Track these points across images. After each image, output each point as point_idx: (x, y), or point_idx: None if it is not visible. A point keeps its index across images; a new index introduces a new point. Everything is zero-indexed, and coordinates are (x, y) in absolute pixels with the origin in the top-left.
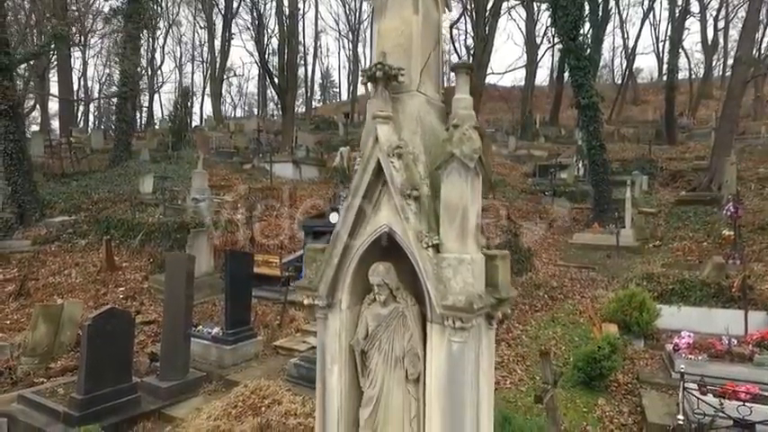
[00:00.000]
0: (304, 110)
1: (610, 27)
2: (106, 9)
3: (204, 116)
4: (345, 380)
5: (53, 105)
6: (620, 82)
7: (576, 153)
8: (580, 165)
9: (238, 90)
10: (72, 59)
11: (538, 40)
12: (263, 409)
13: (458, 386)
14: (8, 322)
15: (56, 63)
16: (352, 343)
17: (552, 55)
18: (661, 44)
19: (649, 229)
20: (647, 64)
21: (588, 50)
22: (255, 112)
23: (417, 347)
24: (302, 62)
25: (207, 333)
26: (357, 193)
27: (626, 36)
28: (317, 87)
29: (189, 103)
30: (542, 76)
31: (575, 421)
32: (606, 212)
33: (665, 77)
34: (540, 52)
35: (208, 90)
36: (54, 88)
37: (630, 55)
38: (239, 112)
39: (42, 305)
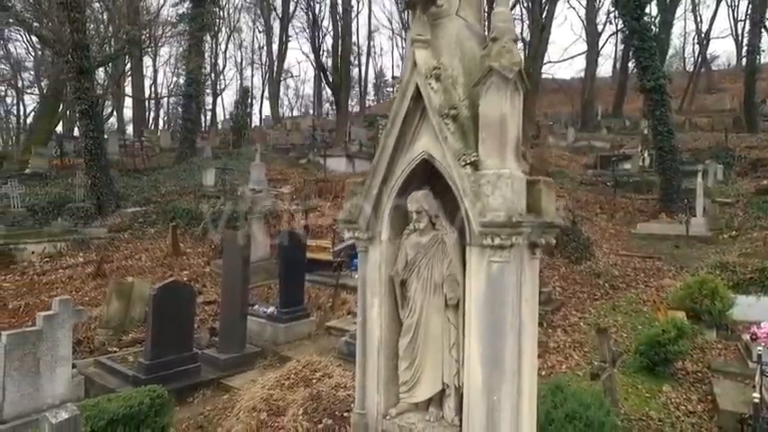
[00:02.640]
0: (358, 109)
1: (680, 11)
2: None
3: (263, 116)
4: (385, 312)
5: (127, 112)
6: (692, 70)
7: (641, 143)
8: (646, 155)
9: (295, 92)
10: (143, 67)
11: (599, 28)
12: (314, 381)
13: (498, 309)
14: (87, 299)
15: (130, 71)
16: (391, 274)
17: (615, 44)
18: (740, 24)
19: (725, 219)
20: (723, 49)
21: (655, 30)
22: (311, 113)
23: (456, 273)
24: (356, 62)
25: (262, 312)
26: (395, 121)
27: (699, 20)
28: (370, 87)
29: (249, 102)
30: (605, 68)
31: (636, 406)
32: (674, 202)
33: (744, 62)
34: (602, 41)
35: (266, 93)
36: (128, 91)
37: (704, 39)
38: (296, 113)
39: (116, 282)
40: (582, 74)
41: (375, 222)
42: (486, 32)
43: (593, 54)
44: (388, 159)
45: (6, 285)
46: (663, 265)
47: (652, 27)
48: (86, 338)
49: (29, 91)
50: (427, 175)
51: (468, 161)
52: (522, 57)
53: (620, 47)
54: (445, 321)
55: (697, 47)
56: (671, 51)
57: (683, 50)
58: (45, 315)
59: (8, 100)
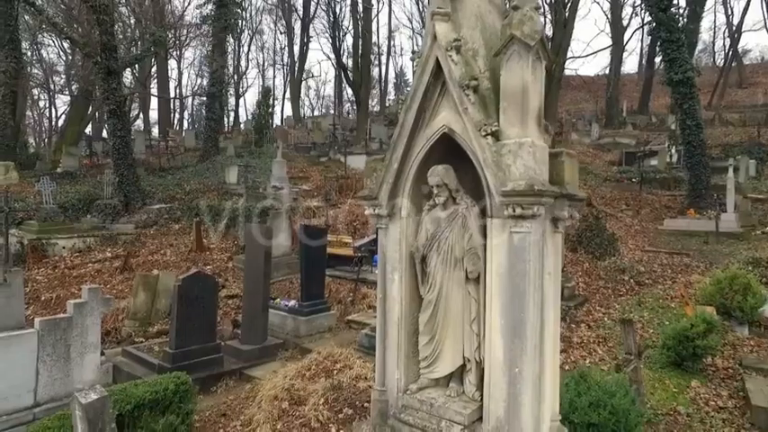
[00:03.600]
0: (378, 108)
1: (710, 3)
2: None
3: (284, 117)
4: (405, 288)
5: (153, 114)
6: (722, 65)
7: (668, 139)
8: (673, 150)
9: (316, 93)
10: (168, 69)
11: (624, 22)
12: (334, 372)
13: (519, 280)
14: (114, 291)
15: (155, 74)
16: (411, 250)
17: (641, 39)
18: None
19: (757, 215)
20: (756, 42)
21: (683, 22)
22: (332, 113)
23: (477, 247)
24: (376, 62)
25: (284, 305)
26: (415, 95)
27: (730, 13)
28: (390, 87)
29: (271, 102)
30: (630, 65)
31: (663, 401)
32: (703, 198)
33: None
34: (627, 36)
35: (287, 94)
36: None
37: (735, 32)
38: (316, 114)
39: (142, 275)
40: (606, 71)
41: (395, 198)
42: (507, 4)
43: (618, 49)
44: (407, 135)
45: (39, 278)
46: (691, 261)
47: (679, 18)
48: (114, 329)
49: (61, 93)
50: (446, 153)
51: (489, 131)
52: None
53: (647, 41)
54: (466, 295)
55: (728, 40)
56: (700, 46)
57: (713, 45)
58: (75, 303)
59: (41, 104)
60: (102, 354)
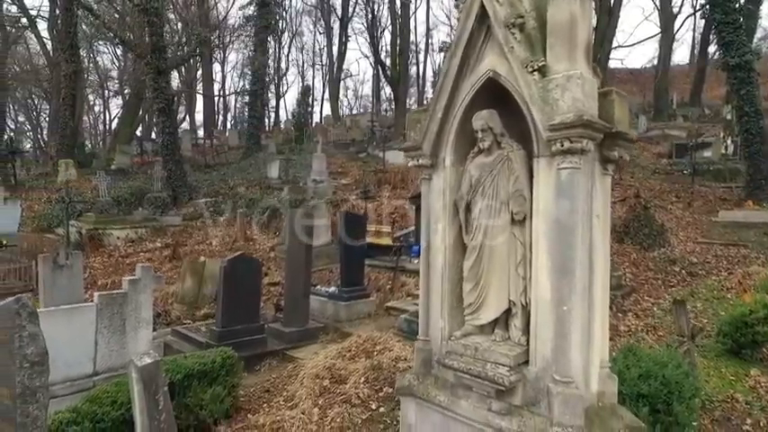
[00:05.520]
0: (416, 106)
1: None
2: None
3: (323, 116)
4: (449, 237)
5: (198, 117)
6: None
7: (723, 129)
8: (729, 141)
9: (354, 93)
10: (213, 72)
11: (674, 10)
12: (374, 353)
13: (568, 218)
14: (164, 278)
15: (201, 77)
16: (455, 198)
17: (693, 28)
18: None
19: None
20: None
21: (740, 2)
22: (370, 110)
23: (523, 189)
24: (414, 60)
25: (324, 291)
26: (459, 43)
27: None
28: (428, 85)
29: (310, 100)
30: (679, 55)
31: (719, 388)
32: (762, 189)
33: None
34: (677, 24)
35: (326, 95)
36: (199, 96)
37: None
38: (354, 113)
39: (189, 261)
40: (653, 62)
41: (439, 147)
42: None
43: (667, 37)
44: (451, 83)
45: (96, 265)
46: (750, 252)
47: (736, 2)
48: (164, 312)
49: (114, 96)
50: (490, 103)
51: (535, 67)
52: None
53: (699, 30)
54: (511, 239)
55: None
56: (759, 33)
57: None
58: (130, 279)
59: (96, 108)
60: (154, 330)
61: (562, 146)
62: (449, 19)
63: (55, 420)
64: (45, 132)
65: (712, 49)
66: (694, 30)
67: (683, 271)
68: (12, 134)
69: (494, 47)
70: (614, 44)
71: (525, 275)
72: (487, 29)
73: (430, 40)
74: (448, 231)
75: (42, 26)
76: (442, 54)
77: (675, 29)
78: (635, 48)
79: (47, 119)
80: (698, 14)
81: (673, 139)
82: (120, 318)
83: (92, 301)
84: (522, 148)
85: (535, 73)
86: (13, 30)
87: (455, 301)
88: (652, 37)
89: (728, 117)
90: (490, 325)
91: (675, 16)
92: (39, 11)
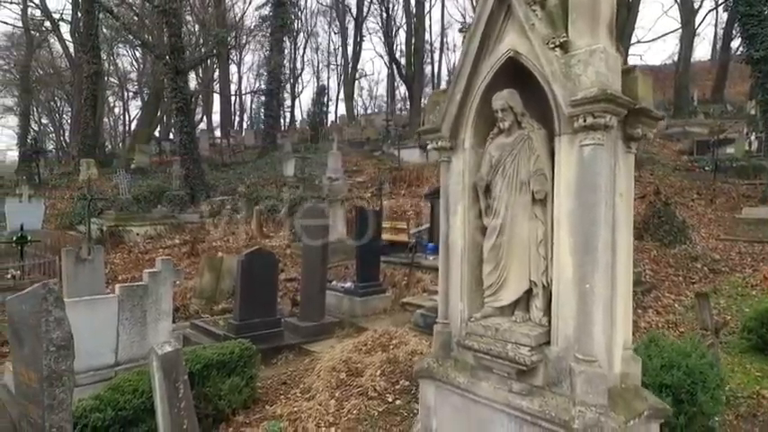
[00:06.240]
0: None
1: None
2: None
3: (338, 116)
4: (468, 219)
5: (215, 118)
6: None
7: (746, 126)
8: (753, 138)
9: (369, 93)
10: (230, 73)
11: (695, 5)
12: (390, 347)
13: (590, 194)
14: (183, 274)
15: (218, 78)
16: (475, 180)
17: (715, 23)
18: None
19: None
20: None
21: None
22: (385, 109)
23: (544, 168)
24: (428, 59)
25: (340, 287)
26: (479, 22)
27: None
28: (443, 84)
29: (325, 100)
30: (700, 52)
31: (744, 384)
32: None
33: None
34: (698, 19)
35: (341, 95)
36: (216, 97)
37: None
38: (369, 113)
39: (207, 256)
40: (673, 58)
41: (458, 130)
42: None
43: (688, 32)
44: (471, 64)
45: (117, 261)
46: None
47: None
48: (183, 306)
49: (134, 98)
50: (510, 84)
51: (557, 43)
52: None
53: (721, 25)
54: (532, 218)
55: None
56: None
57: None
58: (150, 272)
59: (116, 110)
60: (173, 323)
61: (585, 122)
62: (464, 18)
63: (78, 407)
64: (67, 134)
65: (735, 44)
66: (716, 25)
67: (706, 268)
68: (35, 135)
69: (514, 26)
70: (633, 40)
71: (546, 255)
72: (508, 8)
73: (445, 39)
74: (467, 213)
75: (65, 29)
76: (462, 35)
77: (696, 24)
78: (654, 44)
79: (69, 121)
80: (720, 8)
81: (694, 136)
82: (141, 309)
83: (113, 293)
84: (542, 128)
85: (557, 49)
86: (37, 34)
87: (474, 284)
88: (672, 32)
89: (752, 113)
90: (510, 306)
91: (696, 11)
92: (62, 14)
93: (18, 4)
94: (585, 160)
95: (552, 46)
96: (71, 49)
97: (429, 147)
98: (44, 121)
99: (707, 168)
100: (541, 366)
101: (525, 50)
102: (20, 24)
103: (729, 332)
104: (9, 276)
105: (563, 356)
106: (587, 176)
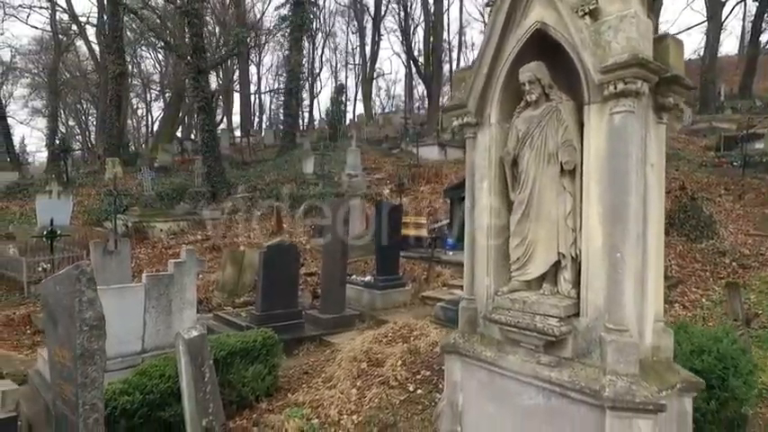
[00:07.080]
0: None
1: None
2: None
3: (356, 115)
4: (495, 195)
5: (235, 119)
6: None
7: None
8: None
9: (386, 93)
10: (249, 74)
11: None
12: (411, 338)
13: (620, 163)
14: (206, 268)
15: (237, 79)
16: (501, 155)
17: (743, 17)
18: None
19: None
20: None
21: None
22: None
23: (573, 139)
24: (447, 58)
25: (360, 281)
26: None
27: None
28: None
29: (344, 99)
30: (728, 46)
31: None
32: None
33: None
34: (725, 12)
35: (359, 95)
36: (236, 98)
37: None
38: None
39: (230, 250)
40: (699, 53)
41: (484, 105)
42: None
43: (714, 26)
44: (497, 38)
45: (141, 256)
46: None
47: None
48: (206, 299)
49: (156, 100)
50: (536, 57)
51: (586, 10)
52: None
53: (749, 18)
54: (560, 190)
55: None
56: None
57: None
58: (175, 262)
59: (139, 112)
60: (197, 313)
61: (615, 88)
62: (482, 16)
63: (108, 391)
64: (93, 134)
65: (765, 38)
66: (744, 18)
67: (734, 263)
68: (63, 136)
69: None
70: (657, 33)
71: (575, 226)
72: None
73: (463, 38)
74: (493, 188)
75: (91, 32)
76: (488, 9)
77: (723, 17)
78: (680, 36)
79: (94, 122)
80: (748, 0)
81: (721, 131)
82: (167, 298)
83: (140, 282)
84: (570, 100)
85: (586, 17)
86: (65, 38)
87: (501, 259)
88: (697, 25)
89: None
90: (537, 280)
91: (723, 3)
92: (88, 17)
93: (47, 8)
94: (616, 128)
95: (582, 14)
96: (97, 52)
97: (454, 123)
98: (71, 122)
99: (735, 164)
100: (570, 338)
101: (553, 21)
102: (48, 29)
103: (760, 326)
104: (40, 269)
105: (593, 327)
106: (618, 145)
